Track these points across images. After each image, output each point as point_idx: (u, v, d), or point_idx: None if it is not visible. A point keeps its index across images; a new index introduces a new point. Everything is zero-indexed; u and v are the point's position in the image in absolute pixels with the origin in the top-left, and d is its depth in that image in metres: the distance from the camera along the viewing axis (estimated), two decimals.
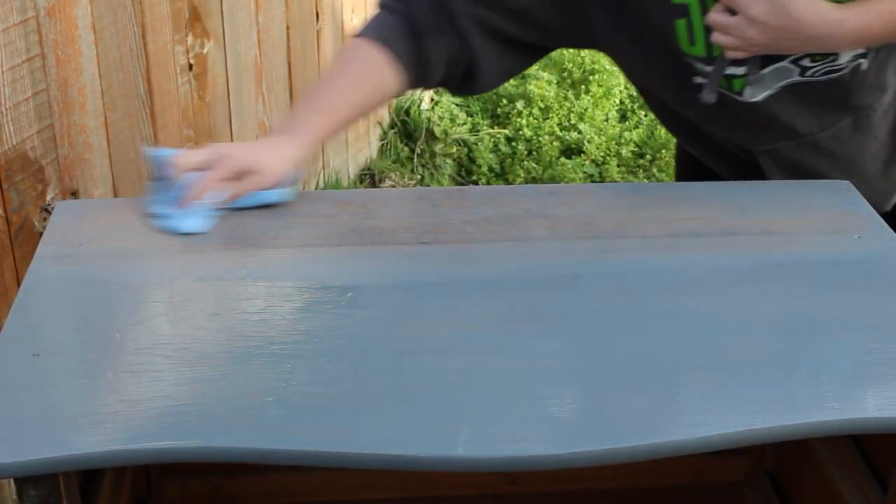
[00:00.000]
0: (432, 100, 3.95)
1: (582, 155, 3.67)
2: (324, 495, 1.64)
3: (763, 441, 1.07)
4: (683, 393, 1.08)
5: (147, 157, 1.40)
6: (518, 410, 1.05)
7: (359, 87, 1.45)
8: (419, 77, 1.47)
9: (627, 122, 3.87)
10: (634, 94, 4.01)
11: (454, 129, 3.76)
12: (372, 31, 1.47)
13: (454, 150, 3.70)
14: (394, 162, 3.64)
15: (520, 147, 3.71)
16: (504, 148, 3.73)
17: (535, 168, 3.62)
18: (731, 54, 1.38)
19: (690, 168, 1.75)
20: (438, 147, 3.68)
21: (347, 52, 1.50)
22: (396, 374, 1.10)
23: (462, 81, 1.52)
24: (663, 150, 3.65)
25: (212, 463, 1.01)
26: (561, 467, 1.01)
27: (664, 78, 1.52)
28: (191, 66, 2.44)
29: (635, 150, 3.72)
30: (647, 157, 3.69)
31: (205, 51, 2.50)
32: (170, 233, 1.33)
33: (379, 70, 1.44)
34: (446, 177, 3.62)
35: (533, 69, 4.12)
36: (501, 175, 3.66)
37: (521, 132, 3.75)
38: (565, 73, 4.10)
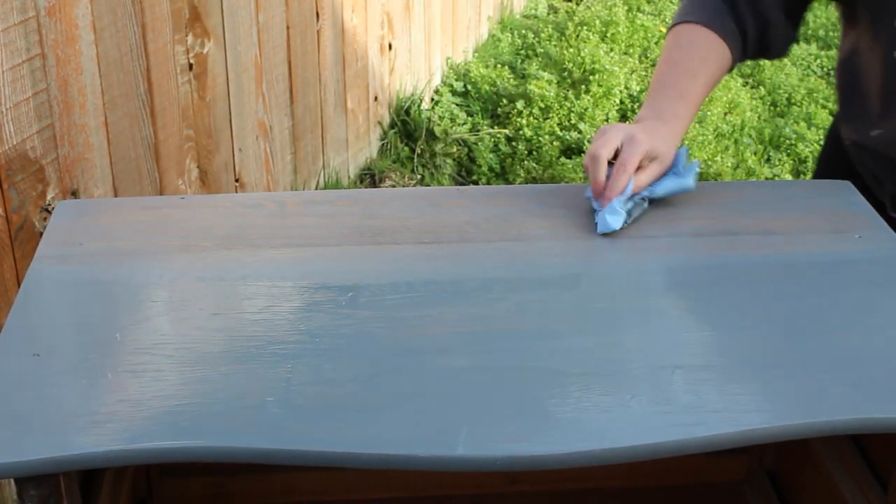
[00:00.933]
0: (432, 100, 3.95)
1: (582, 155, 3.67)
2: (324, 495, 1.64)
3: (763, 441, 1.07)
4: (683, 392, 1.08)
5: None
6: (518, 410, 1.05)
7: (705, 67, 1.48)
8: (741, 52, 1.51)
9: (627, 123, 3.87)
10: (634, 93, 4.01)
11: (454, 129, 3.75)
12: (693, 14, 1.50)
13: (454, 150, 3.70)
14: (394, 162, 3.64)
15: (520, 147, 3.71)
16: (504, 148, 3.73)
17: (535, 168, 3.62)
18: None
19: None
20: (438, 147, 3.68)
21: (682, 36, 1.52)
22: (397, 373, 1.10)
23: (760, 51, 1.55)
24: None
25: (212, 462, 1.01)
26: (561, 467, 1.01)
27: None
28: (191, 66, 2.44)
29: None
30: None
31: (205, 51, 2.50)
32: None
33: (716, 49, 1.48)
34: (446, 177, 3.62)
35: (533, 69, 4.12)
36: (501, 175, 3.66)
37: (521, 132, 3.75)
38: (565, 73, 4.10)
